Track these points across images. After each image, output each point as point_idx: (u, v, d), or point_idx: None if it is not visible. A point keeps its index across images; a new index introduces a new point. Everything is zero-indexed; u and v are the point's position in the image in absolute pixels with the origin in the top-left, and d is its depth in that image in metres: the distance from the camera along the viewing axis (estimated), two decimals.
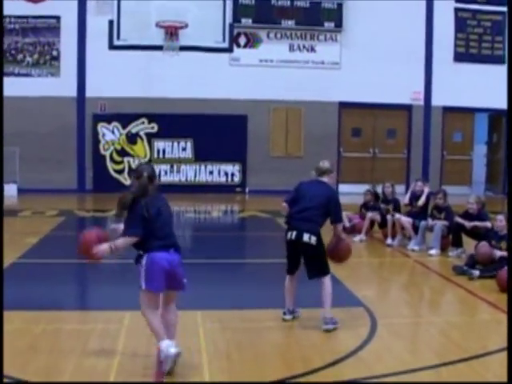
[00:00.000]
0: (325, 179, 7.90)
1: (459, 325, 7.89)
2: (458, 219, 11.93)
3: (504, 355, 6.60)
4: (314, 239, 7.44)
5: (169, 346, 5.80)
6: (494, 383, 5.52)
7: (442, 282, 10.21)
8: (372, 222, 13.93)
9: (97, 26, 21.47)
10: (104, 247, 6.10)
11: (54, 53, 21.82)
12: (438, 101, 23.27)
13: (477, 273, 10.09)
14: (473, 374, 6.14)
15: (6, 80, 20.93)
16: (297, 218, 7.60)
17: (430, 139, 23.55)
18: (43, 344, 6.69)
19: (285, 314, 7.76)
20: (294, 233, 7.52)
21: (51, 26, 21.71)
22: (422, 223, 12.61)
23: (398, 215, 13.07)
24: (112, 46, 21.66)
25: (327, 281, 7.54)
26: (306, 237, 7.44)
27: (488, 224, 11.49)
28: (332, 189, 7.96)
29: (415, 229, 12.74)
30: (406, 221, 12.80)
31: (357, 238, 13.56)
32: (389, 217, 13.18)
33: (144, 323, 7.39)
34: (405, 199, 13.44)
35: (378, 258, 12.52)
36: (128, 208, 6.06)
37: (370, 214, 13.77)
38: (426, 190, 13.14)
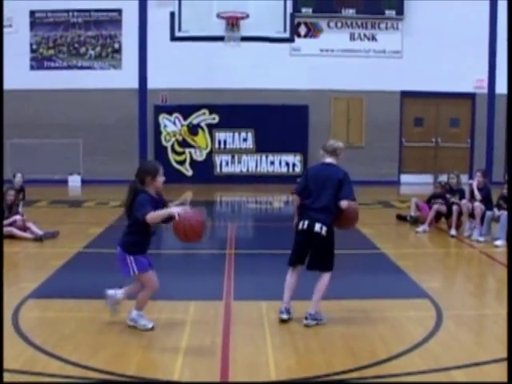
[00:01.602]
0: (333, 160, 7.47)
1: None
2: None
3: None
4: (324, 230, 7.13)
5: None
6: (494, 383, 5.39)
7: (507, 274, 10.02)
8: (438, 214, 13.72)
9: (158, 18, 21.67)
10: None
11: (116, 45, 22.10)
12: (502, 88, 22.73)
13: None
14: None
15: (70, 73, 21.29)
16: (310, 207, 7.25)
17: (494, 128, 23.14)
18: (111, 333, 6.77)
19: (282, 312, 7.30)
20: (306, 222, 7.21)
21: (113, 19, 22.00)
22: (488, 213, 12.39)
23: (464, 201, 12.82)
24: (173, 38, 21.75)
25: (327, 276, 7.27)
26: (317, 227, 7.15)
27: None
28: (342, 170, 7.35)
29: (481, 219, 12.53)
30: (479, 207, 12.49)
31: (420, 228, 13.41)
32: (454, 207, 12.97)
33: (209, 315, 7.49)
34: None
35: (443, 248, 12.33)
36: None
37: (436, 206, 13.57)
38: (474, 182, 12.89)
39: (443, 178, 14.38)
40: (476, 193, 12.67)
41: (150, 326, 6.84)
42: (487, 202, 12.62)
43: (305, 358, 6.23)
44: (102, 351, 6.21)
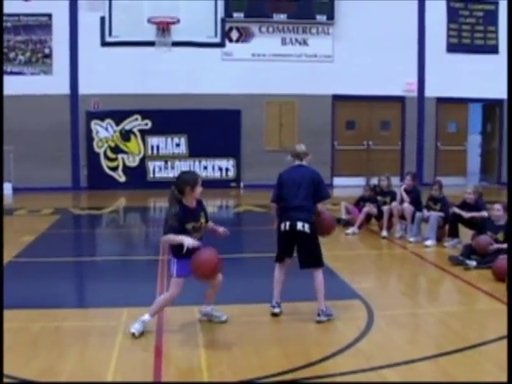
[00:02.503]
0: (303, 162, 7.81)
1: (457, 315, 7.89)
2: (456, 209, 11.93)
3: (502, 344, 6.64)
4: (307, 227, 7.36)
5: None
6: (495, 383, 5.51)
7: (438, 273, 10.21)
8: (369, 216, 13.91)
9: (88, 23, 21.46)
10: None
11: (47, 50, 21.78)
12: (431, 92, 23.30)
13: (473, 263, 10.10)
14: (471, 363, 6.15)
15: None
16: (289, 208, 7.49)
17: (424, 130, 23.60)
18: (43, 342, 6.67)
19: (274, 307, 7.64)
20: (288, 223, 7.42)
21: (43, 23, 21.68)
22: (418, 214, 12.62)
23: (394, 203, 13.05)
24: (104, 43, 21.63)
25: (320, 274, 7.49)
26: (299, 225, 7.36)
27: (485, 213, 11.50)
28: (313, 169, 7.76)
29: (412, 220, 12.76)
30: (409, 208, 12.73)
31: (350, 230, 13.56)
32: (385, 208, 13.17)
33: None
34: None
35: (374, 250, 12.51)
36: None
37: (366, 208, 13.75)
38: (403, 185, 13.26)
39: (374, 180, 14.56)
40: (404, 196, 12.93)
41: (133, 330, 6.81)
42: (417, 203, 12.86)
43: (238, 361, 6.23)
44: (34, 361, 6.12)
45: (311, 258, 7.49)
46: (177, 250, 6.72)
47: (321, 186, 7.61)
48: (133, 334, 6.77)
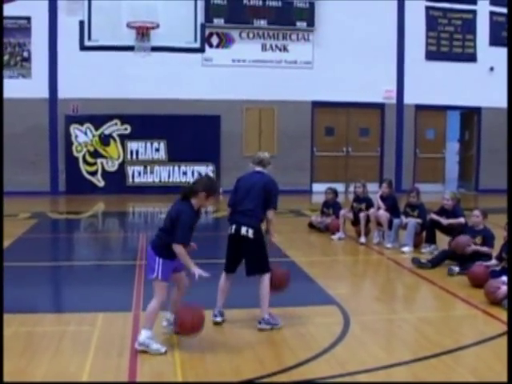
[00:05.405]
0: (261, 169, 7.77)
1: (432, 320, 7.93)
2: (434, 216, 11.99)
3: (476, 349, 6.70)
4: (251, 232, 7.31)
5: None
6: (494, 383, 5.52)
7: (414, 279, 10.25)
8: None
9: (68, 27, 21.34)
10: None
11: (25, 54, 21.66)
12: (410, 99, 23.42)
13: (456, 269, 10.14)
14: (445, 369, 6.18)
15: None
16: (236, 211, 7.51)
17: (402, 137, 23.70)
18: (15, 347, 6.61)
19: (215, 316, 7.53)
20: (234, 226, 7.42)
21: (22, 26, 21.55)
22: (395, 221, 12.67)
23: (372, 210, 13.10)
24: (83, 47, 21.54)
25: (266, 280, 7.41)
26: (243, 230, 7.33)
27: (462, 220, 11.60)
28: (268, 176, 7.68)
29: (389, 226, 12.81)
30: (384, 215, 12.78)
31: (336, 236, 13.58)
32: (362, 215, 13.22)
33: (116, 325, 7.42)
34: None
35: (351, 256, 12.55)
36: None
37: (342, 212, 13.79)
38: (379, 193, 13.33)
39: (351, 187, 14.65)
40: (380, 203, 12.99)
41: (163, 350, 6.50)
42: (393, 210, 12.91)
43: (212, 367, 6.23)
44: (6, 366, 6.06)
45: (255, 264, 7.42)
46: (166, 251, 6.59)
47: (271, 195, 7.50)
48: (165, 352, 6.50)
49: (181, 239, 6.55)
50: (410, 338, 7.38)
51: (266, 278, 7.43)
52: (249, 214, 7.39)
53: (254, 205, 7.42)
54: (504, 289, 8.28)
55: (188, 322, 6.57)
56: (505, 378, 5.82)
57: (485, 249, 10.31)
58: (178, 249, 6.52)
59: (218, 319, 7.51)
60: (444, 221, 11.79)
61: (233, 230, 7.43)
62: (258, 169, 7.79)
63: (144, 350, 6.49)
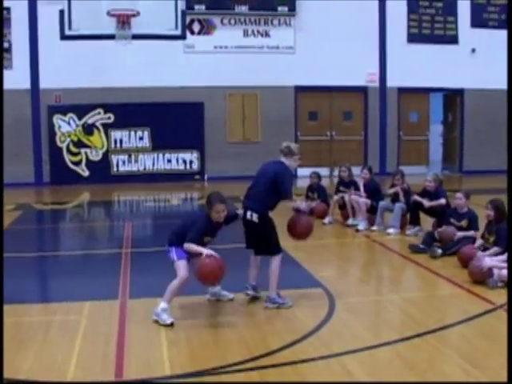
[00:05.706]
0: (283, 159, 7.85)
1: (417, 301, 7.99)
2: (417, 197, 12.02)
3: (460, 328, 6.77)
4: (255, 217, 7.53)
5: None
6: (495, 383, 5.58)
7: (400, 261, 10.32)
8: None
9: (48, 16, 21.17)
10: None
11: (6, 44, 21.49)
12: (392, 82, 23.43)
13: (439, 251, 10.20)
14: (429, 349, 6.23)
15: None
16: (246, 195, 7.82)
17: (386, 120, 23.72)
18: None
19: (247, 288, 7.86)
20: (242, 210, 7.71)
21: None
22: (381, 203, 12.73)
23: (353, 196, 13.15)
24: (64, 36, 21.41)
25: (275, 261, 7.61)
26: (248, 214, 7.59)
27: (443, 201, 11.63)
28: (282, 165, 7.75)
29: (373, 209, 12.87)
30: (363, 202, 12.87)
31: (326, 220, 13.61)
32: (346, 197, 13.27)
33: (103, 313, 7.45)
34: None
35: (337, 238, 12.60)
36: None
37: (336, 197, 13.74)
38: (361, 180, 13.39)
39: (336, 171, 14.70)
40: (361, 190, 13.09)
41: (168, 321, 6.93)
42: (374, 194, 12.99)
43: (199, 352, 6.27)
44: None
45: (263, 247, 7.68)
46: (178, 242, 7.16)
47: (279, 184, 7.59)
48: (172, 324, 6.92)
49: (188, 240, 7.04)
50: (396, 319, 7.44)
51: (277, 258, 7.64)
52: (255, 199, 7.64)
53: (260, 191, 7.62)
54: (488, 264, 8.36)
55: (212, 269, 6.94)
56: (489, 356, 5.91)
57: (471, 233, 10.34)
58: (188, 245, 7.04)
59: (250, 292, 7.86)
60: (426, 203, 11.83)
61: (242, 214, 7.70)
62: (279, 159, 7.90)
63: (156, 319, 6.99)
